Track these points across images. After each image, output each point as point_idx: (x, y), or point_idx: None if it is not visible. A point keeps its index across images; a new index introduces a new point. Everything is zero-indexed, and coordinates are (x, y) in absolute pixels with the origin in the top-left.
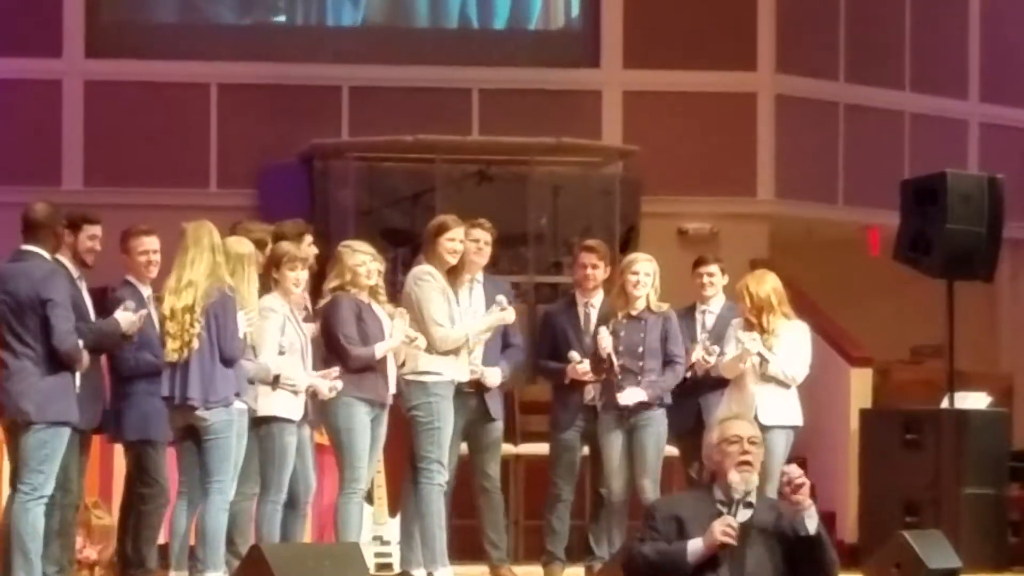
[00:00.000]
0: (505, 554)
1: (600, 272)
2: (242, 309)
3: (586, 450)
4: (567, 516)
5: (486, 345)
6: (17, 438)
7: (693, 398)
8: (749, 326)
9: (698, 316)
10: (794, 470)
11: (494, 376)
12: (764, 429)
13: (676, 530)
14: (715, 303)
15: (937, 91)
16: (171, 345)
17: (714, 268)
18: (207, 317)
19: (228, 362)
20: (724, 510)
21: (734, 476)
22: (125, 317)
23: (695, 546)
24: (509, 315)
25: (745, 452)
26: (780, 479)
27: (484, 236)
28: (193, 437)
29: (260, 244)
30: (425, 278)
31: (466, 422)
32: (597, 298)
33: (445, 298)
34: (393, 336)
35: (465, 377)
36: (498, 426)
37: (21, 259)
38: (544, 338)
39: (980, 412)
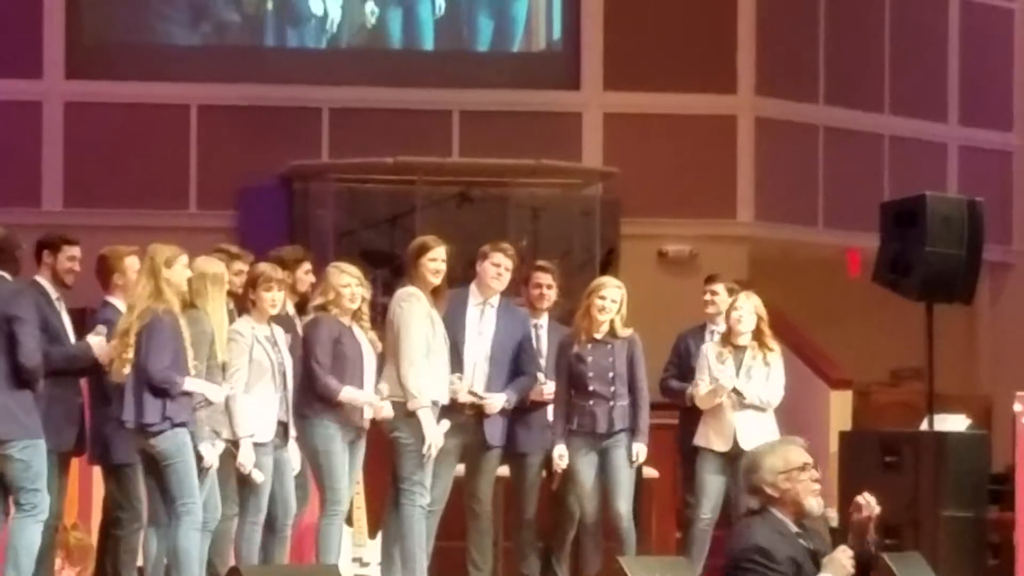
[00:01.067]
0: None
1: (554, 292)
2: (191, 329)
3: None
4: (534, 537)
5: (493, 371)
6: None
7: (695, 419)
8: (729, 346)
9: (707, 336)
10: (872, 501)
11: (495, 403)
12: (744, 454)
13: (795, 571)
14: (722, 322)
15: (916, 114)
16: (114, 367)
17: (719, 287)
18: (138, 340)
19: (148, 384)
20: (804, 543)
21: (812, 503)
22: (97, 342)
23: None
24: (386, 411)
25: (816, 479)
26: (861, 507)
27: (505, 262)
28: (151, 462)
29: None
30: (409, 300)
31: (463, 445)
32: (543, 319)
33: (429, 320)
34: (364, 392)
35: (445, 399)
36: (496, 453)
37: None
38: None
39: (959, 434)
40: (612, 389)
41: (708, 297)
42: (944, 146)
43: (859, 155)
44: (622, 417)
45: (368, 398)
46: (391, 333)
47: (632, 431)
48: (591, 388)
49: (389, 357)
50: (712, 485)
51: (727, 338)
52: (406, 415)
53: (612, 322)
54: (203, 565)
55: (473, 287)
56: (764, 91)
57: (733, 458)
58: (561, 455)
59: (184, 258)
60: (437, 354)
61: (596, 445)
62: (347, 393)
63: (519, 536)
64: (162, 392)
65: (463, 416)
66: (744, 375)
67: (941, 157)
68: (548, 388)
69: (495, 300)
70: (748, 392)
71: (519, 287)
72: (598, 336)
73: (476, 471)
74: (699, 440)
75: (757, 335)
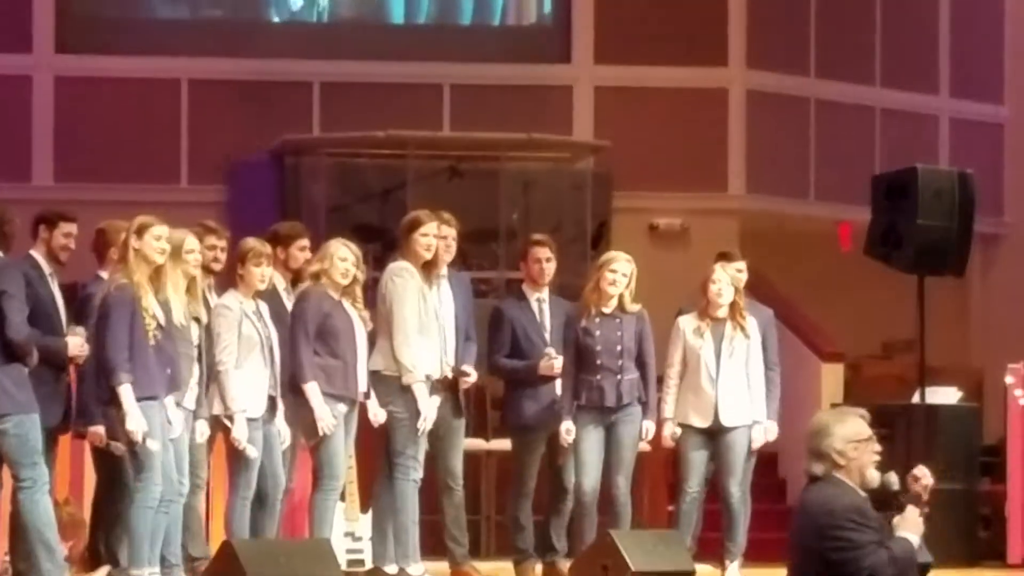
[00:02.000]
0: (467, 551)
1: (553, 265)
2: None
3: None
4: (531, 511)
5: (460, 342)
6: None
7: None
8: (707, 319)
9: None
10: (928, 473)
11: (474, 375)
12: (726, 430)
13: (880, 531)
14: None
15: (908, 86)
16: None
17: (740, 265)
18: (97, 313)
19: (98, 360)
20: (869, 505)
21: (874, 473)
22: (74, 343)
23: (913, 539)
24: (380, 416)
25: (878, 451)
26: (918, 478)
27: (451, 232)
28: None
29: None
30: (401, 275)
31: (436, 420)
32: (545, 292)
33: (420, 295)
34: (320, 411)
35: (439, 373)
36: (463, 423)
37: None
38: (502, 335)
39: (951, 407)
40: (620, 363)
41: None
42: (935, 118)
43: (850, 128)
44: (629, 391)
45: (326, 416)
46: (384, 307)
47: (644, 406)
48: (599, 362)
49: (382, 331)
50: (696, 460)
51: (705, 311)
52: (400, 390)
53: (621, 297)
54: (157, 541)
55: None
56: (755, 64)
57: (714, 434)
58: (568, 430)
59: (157, 229)
60: (429, 329)
61: (604, 420)
62: (313, 390)
63: (517, 509)
64: (105, 373)
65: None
66: (727, 346)
67: (932, 129)
68: (558, 363)
69: (445, 271)
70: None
71: (518, 262)
72: (607, 310)
73: (448, 446)
74: (679, 417)
75: (732, 307)
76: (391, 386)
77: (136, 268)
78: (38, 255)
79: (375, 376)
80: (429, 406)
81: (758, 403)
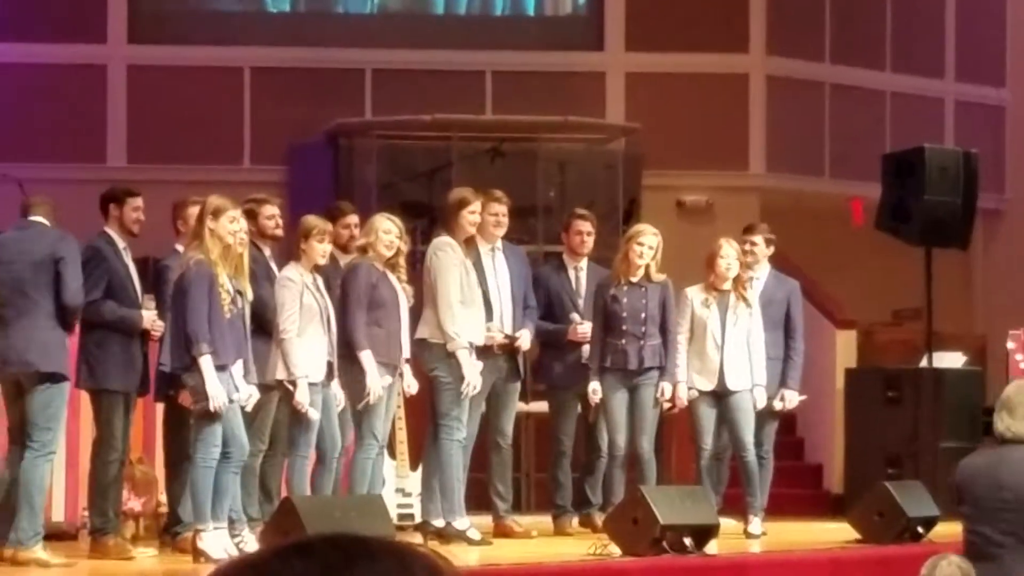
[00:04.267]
0: (510, 507)
1: (592, 239)
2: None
3: (579, 406)
4: (569, 469)
5: (516, 311)
6: (20, 396)
7: None
8: (714, 291)
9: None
10: None
11: (527, 339)
12: (731, 392)
13: None
14: (760, 271)
15: (916, 71)
16: None
17: (757, 238)
18: (175, 287)
19: (184, 335)
20: None
21: None
22: (148, 316)
23: None
24: (413, 387)
25: None
26: None
27: (502, 209)
28: None
29: (249, 214)
30: (444, 249)
31: (491, 384)
32: (583, 262)
33: (463, 268)
34: (372, 379)
35: (480, 340)
36: (517, 388)
37: (27, 227)
38: (537, 298)
39: (956, 371)
40: (643, 329)
41: (747, 247)
42: (941, 101)
43: (863, 110)
44: (652, 356)
45: (376, 387)
46: (428, 279)
47: (661, 371)
48: (624, 328)
49: (427, 302)
50: (707, 421)
51: (712, 284)
52: (446, 356)
53: (647, 267)
54: (225, 499)
55: (478, 237)
56: (774, 51)
57: (720, 396)
58: (595, 390)
59: (232, 212)
60: (471, 299)
61: (627, 382)
62: (367, 356)
63: (555, 467)
64: (187, 343)
65: (492, 356)
66: (731, 315)
67: (939, 111)
68: (583, 328)
69: (500, 243)
70: (759, 396)
71: (557, 236)
72: (634, 279)
73: (502, 407)
74: (688, 381)
75: (735, 280)
76: (437, 353)
77: (212, 247)
78: (112, 231)
79: (422, 344)
80: (473, 371)
81: (758, 368)
